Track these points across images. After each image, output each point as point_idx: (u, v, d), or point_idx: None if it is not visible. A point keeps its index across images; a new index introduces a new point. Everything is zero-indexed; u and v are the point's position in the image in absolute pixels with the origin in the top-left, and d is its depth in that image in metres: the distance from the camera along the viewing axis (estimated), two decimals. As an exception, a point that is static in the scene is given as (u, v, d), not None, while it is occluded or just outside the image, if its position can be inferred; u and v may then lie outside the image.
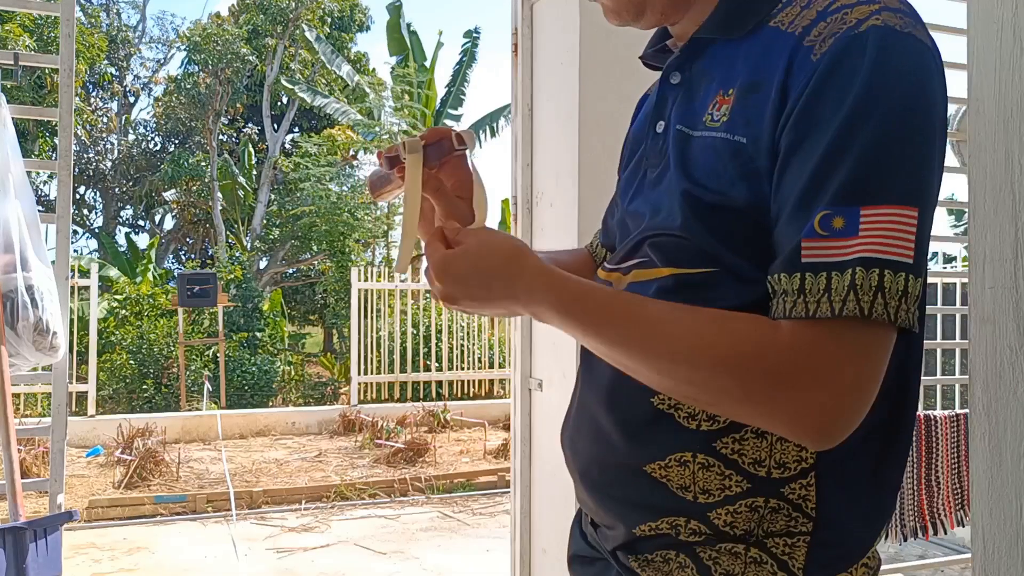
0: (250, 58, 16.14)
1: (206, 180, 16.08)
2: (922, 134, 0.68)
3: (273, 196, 16.76)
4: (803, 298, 0.67)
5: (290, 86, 15.21)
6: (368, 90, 14.76)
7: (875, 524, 0.80)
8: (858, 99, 0.67)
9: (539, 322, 0.80)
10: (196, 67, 16.70)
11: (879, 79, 0.67)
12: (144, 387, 9.74)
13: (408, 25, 15.11)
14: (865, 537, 0.79)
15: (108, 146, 18.81)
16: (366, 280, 9.45)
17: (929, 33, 0.72)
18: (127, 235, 17.48)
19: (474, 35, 15.23)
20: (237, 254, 14.62)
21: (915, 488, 2.50)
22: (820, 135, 0.68)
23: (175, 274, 13.92)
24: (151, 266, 13.45)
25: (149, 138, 19.33)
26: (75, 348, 9.86)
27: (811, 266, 0.67)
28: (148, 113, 23.57)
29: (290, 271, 16.92)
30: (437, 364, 9.76)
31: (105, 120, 18.60)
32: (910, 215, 0.66)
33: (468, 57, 15.23)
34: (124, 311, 10.95)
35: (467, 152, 0.90)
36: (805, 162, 0.68)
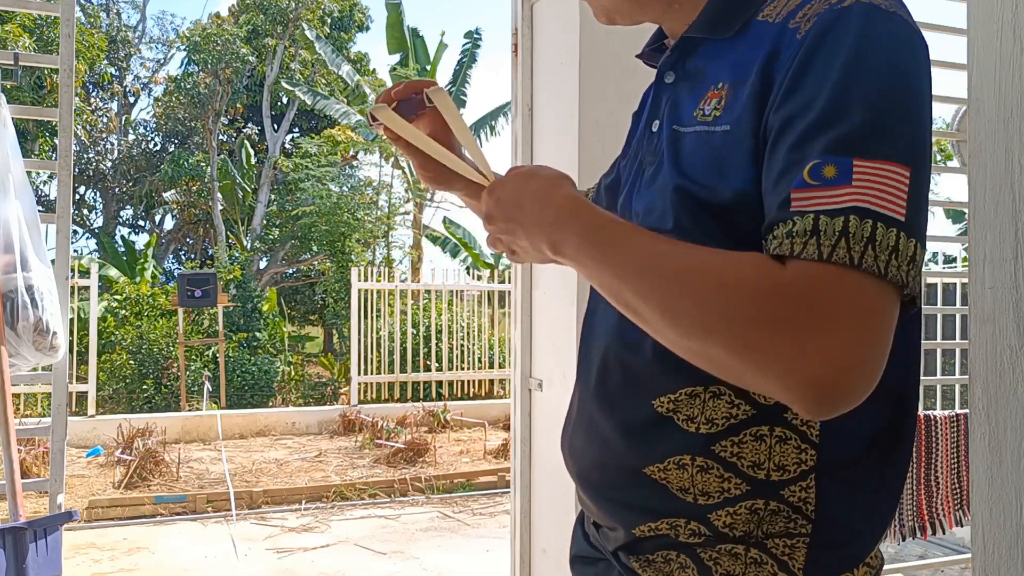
0: (250, 58, 16.14)
1: (206, 180, 16.08)
2: (912, 98, 0.68)
3: (273, 196, 16.77)
4: (790, 240, 0.65)
5: (290, 87, 15.22)
6: (368, 90, 14.77)
7: (877, 527, 0.80)
8: (847, 64, 0.67)
9: (558, 256, 0.81)
10: (196, 67, 16.71)
11: (867, 46, 0.68)
12: (144, 387, 9.74)
13: (415, 29, 15.12)
14: (867, 540, 0.79)
15: (108, 146, 18.81)
16: (366, 280, 9.45)
17: (912, 17, 0.73)
18: (124, 236, 17.47)
19: (475, 35, 15.24)
20: (237, 254, 14.62)
21: (914, 488, 2.50)
22: (810, 102, 0.68)
23: (175, 274, 13.92)
24: (148, 265, 13.45)
25: (149, 138, 19.34)
26: (75, 348, 9.86)
27: (799, 213, 0.65)
28: (148, 113, 23.59)
29: (290, 271, 16.92)
30: (437, 364, 9.76)
31: (105, 120, 18.60)
32: (902, 173, 0.65)
33: (469, 58, 15.24)
34: (124, 311, 10.95)
35: (441, 103, 0.96)
36: (796, 128, 0.68)
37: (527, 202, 0.82)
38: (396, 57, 15.18)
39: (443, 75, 15.74)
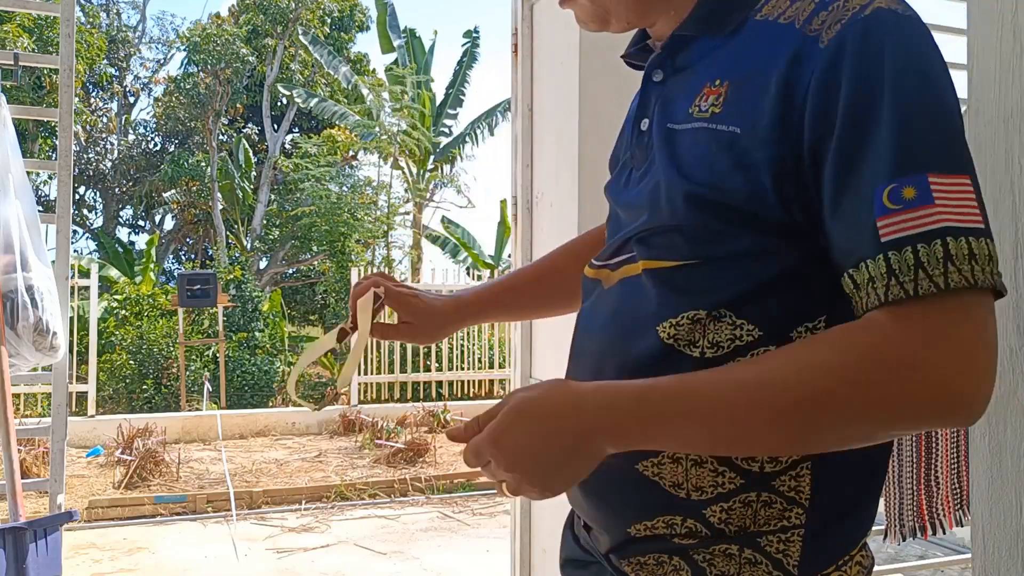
0: (250, 58, 16.14)
1: (206, 180, 16.08)
2: (953, 106, 0.68)
3: (273, 196, 16.77)
4: (895, 279, 0.64)
5: (288, 92, 15.23)
6: (366, 91, 14.77)
7: (867, 513, 0.80)
8: (894, 79, 0.66)
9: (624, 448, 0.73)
10: (196, 67, 16.71)
11: (906, 58, 0.67)
12: (144, 387, 9.73)
13: (411, 29, 15.14)
14: (859, 522, 0.80)
15: (108, 146, 18.82)
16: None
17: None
18: (124, 236, 17.46)
19: (474, 35, 15.23)
20: (237, 254, 14.62)
21: (914, 488, 2.50)
22: (855, 122, 0.67)
23: (175, 274, 13.92)
24: (151, 265, 13.44)
25: (149, 138, 19.34)
26: (75, 348, 9.86)
27: (894, 243, 0.64)
28: (148, 113, 23.58)
29: (290, 271, 16.92)
30: (437, 364, 9.76)
31: (105, 120, 18.60)
32: (966, 183, 0.65)
33: (468, 58, 15.24)
34: (124, 311, 10.95)
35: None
36: (848, 152, 0.67)
37: (550, 421, 0.71)
38: (392, 57, 15.20)
39: (440, 74, 15.77)
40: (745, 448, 0.71)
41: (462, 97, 15.35)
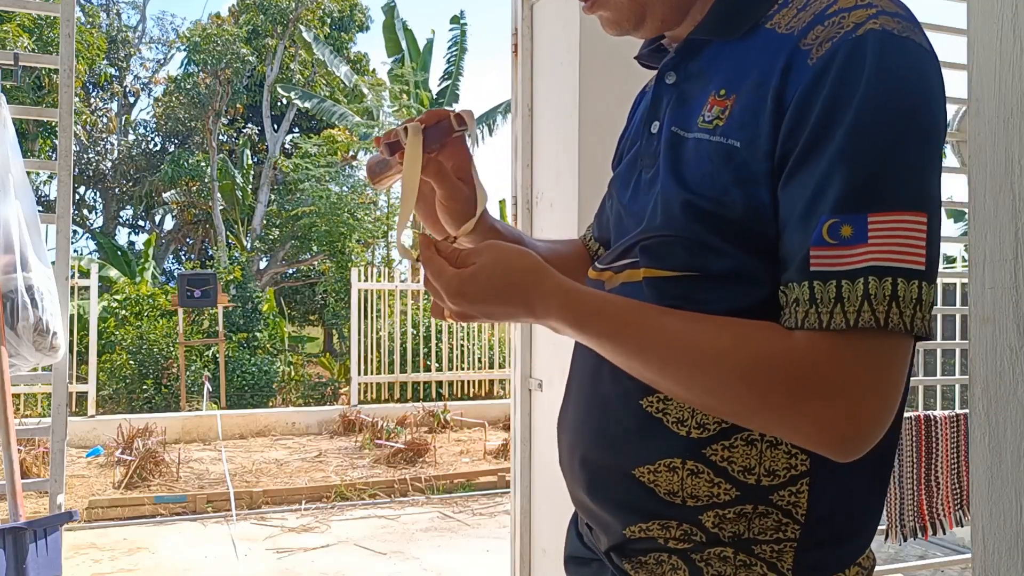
0: (250, 58, 16.15)
1: (206, 180, 16.09)
2: (925, 139, 0.67)
3: (273, 196, 16.77)
4: (815, 308, 0.66)
5: (287, 93, 15.24)
6: (366, 91, 14.78)
7: (867, 528, 0.80)
8: (860, 106, 0.66)
9: (554, 332, 0.80)
10: (196, 67, 16.71)
11: (880, 86, 0.66)
12: (144, 387, 9.74)
13: (404, 23, 15.16)
14: (857, 541, 0.80)
15: (108, 146, 18.81)
16: (366, 280, 9.46)
17: (925, 35, 0.71)
18: (122, 235, 17.46)
19: (461, 21, 15.20)
20: (237, 254, 14.62)
21: (915, 488, 2.50)
22: (823, 143, 0.67)
23: (175, 274, 13.92)
24: (149, 265, 13.44)
25: (149, 138, 19.33)
26: (75, 348, 9.86)
27: (820, 275, 0.66)
28: (148, 113, 23.56)
29: (290, 271, 16.92)
30: (437, 364, 9.76)
31: (105, 120, 18.60)
32: (919, 220, 0.65)
33: (459, 49, 15.21)
34: (124, 311, 10.95)
35: (466, 132, 0.90)
36: (810, 170, 0.67)
37: (510, 295, 0.77)
38: (397, 58, 15.21)
39: (438, 72, 15.76)
40: (648, 381, 0.76)
41: (458, 92, 15.32)
